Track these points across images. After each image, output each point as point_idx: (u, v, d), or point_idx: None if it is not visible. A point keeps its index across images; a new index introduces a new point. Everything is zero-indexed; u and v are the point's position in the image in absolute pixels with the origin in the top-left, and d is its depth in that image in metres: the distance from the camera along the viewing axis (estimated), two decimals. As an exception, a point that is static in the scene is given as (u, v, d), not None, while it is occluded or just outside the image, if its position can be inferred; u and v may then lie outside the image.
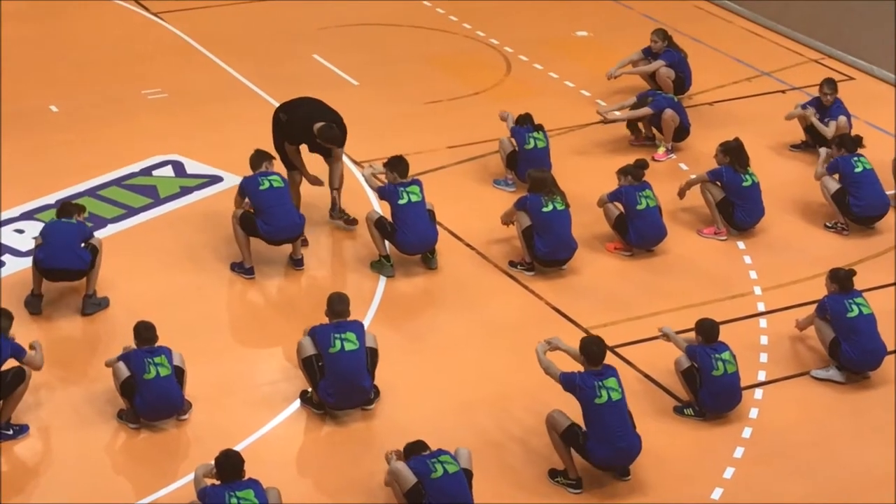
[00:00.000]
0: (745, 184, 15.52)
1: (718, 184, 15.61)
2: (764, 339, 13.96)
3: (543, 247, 14.73)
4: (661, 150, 17.22)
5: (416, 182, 14.91)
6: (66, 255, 13.79)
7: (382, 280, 14.65)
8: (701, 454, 12.52)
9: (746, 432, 12.77)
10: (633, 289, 14.74)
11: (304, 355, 12.55)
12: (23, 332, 13.06)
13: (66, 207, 14.23)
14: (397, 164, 14.93)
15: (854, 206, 15.64)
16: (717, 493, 12.02)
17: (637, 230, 15.14)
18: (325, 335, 12.51)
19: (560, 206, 14.75)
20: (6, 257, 14.77)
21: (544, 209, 14.68)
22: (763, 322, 14.23)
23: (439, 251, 15.08)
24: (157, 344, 12.53)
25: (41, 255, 13.83)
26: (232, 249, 14.87)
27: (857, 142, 16.06)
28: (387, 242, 14.78)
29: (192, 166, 16.76)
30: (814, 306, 13.56)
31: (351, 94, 18.17)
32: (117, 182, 16.37)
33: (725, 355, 12.73)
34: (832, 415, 13.08)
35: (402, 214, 14.68)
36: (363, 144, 17.14)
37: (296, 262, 14.86)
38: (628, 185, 15.23)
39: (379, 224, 14.73)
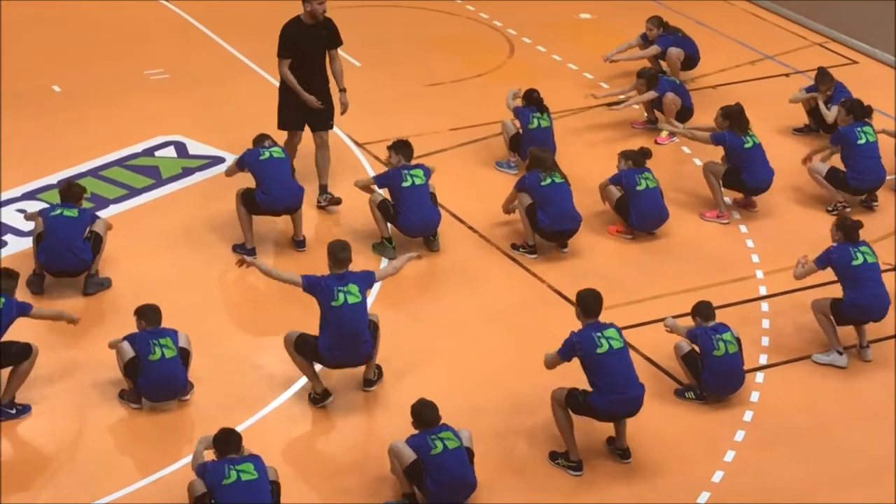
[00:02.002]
0: (746, 146, 15.51)
1: (720, 161, 15.60)
2: (766, 323, 13.97)
3: (546, 219, 14.70)
4: (664, 133, 17.21)
5: (420, 166, 14.90)
6: (67, 256, 13.83)
7: (384, 262, 14.64)
8: (702, 437, 12.53)
9: (747, 416, 12.78)
10: (635, 272, 14.74)
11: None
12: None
13: (70, 192, 14.16)
14: (403, 148, 14.93)
15: (851, 179, 15.68)
16: (717, 476, 12.03)
17: (638, 212, 15.13)
18: (329, 289, 12.38)
19: (559, 180, 14.74)
20: (8, 237, 14.78)
21: (543, 183, 14.67)
22: (765, 306, 14.23)
23: (441, 233, 15.08)
24: (162, 325, 12.54)
25: (42, 255, 13.87)
26: (234, 230, 14.87)
27: (867, 111, 15.95)
28: (389, 224, 14.78)
29: (194, 147, 16.76)
30: (817, 289, 13.56)
31: (353, 75, 18.09)
32: (119, 162, 16.37)
33: (726, 336, 12.74)
34: (833, 399, 13.09)
35: (404, 197, 14.68)
36: (365, 126, 17.14)
37: (297, 244, 14.87)
38: (628, 169, 15.23)
39: (382, 206, 14.72)
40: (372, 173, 15.79)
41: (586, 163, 16.19)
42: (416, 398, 11.60)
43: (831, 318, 13.30)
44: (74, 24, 19.88)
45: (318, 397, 12.66)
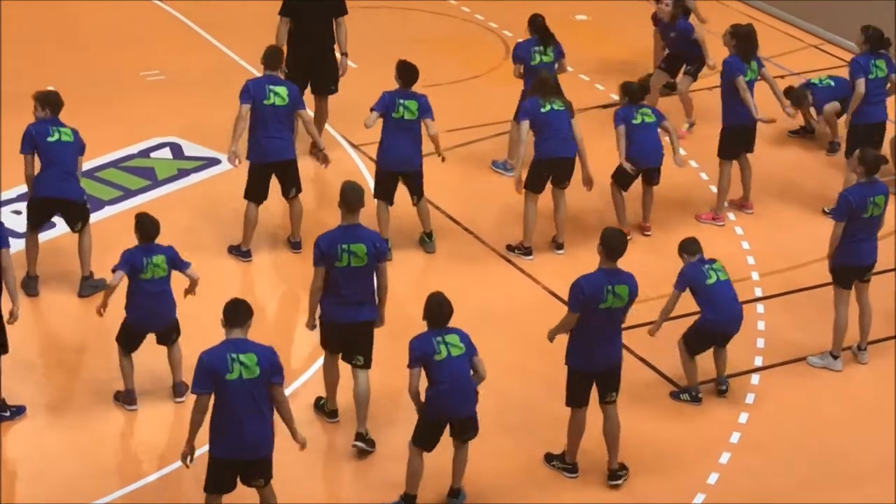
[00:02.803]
0: (745, 78, 15.45)
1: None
2: (761, 325, 13.97)
3: (544, 148, 14.59)
4: (685, 127, 17.20)
5: (417, 97, 14.57)
6: (65, 184, 13.83)
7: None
8: (697, 439, 12.54)
9: (743, 417, 12.79)
10: (631, 273, 14.72)
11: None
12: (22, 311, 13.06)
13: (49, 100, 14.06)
14: (404, 72, 14.57)
15: (866, 105, 15.65)
16: (713, 478, 12.04)
17: (637, 145, 15.03)
18: (333, 246, 11.97)
19: (558, 107, 14.60)
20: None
21: (542, 110, 14.56)
22: (760, 307, 14.24)
23: (437, 235, 15.08)
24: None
25: (43, 187, 13.86)
26: (230, 232, 14.88)
27: (886, 42, 15.79)
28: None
29: (190, 149, 16.75)
30: (813, 291, 13.56)
31: (348, 76, 18.09)
32: (115, 164, 16.37)
33: (716, 265, 12.77)
34: (829, 401, 13.10)
35: (389, 128, 14.45)
36: (361, 128, 17.11)
37: (293, 245, 14.85)
38: (626, 106, 15.10)
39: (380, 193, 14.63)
40: (367, 175, 15.78)
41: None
42: (409, 404, 11.54)
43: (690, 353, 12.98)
44: (71, 25, 19.87)
45: (329, 413, 12.60)
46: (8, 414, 12.39)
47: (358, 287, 12.07)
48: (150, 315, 12.48)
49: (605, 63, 18.76)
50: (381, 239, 12.32)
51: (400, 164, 14.64)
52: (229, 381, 10.45)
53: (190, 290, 12.65)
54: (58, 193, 13.88)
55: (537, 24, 16.16)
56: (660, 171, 15.32)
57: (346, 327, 12.17)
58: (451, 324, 11.41)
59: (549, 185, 14.93)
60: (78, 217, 14.08)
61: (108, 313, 12.56)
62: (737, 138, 15.54)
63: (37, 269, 14.03)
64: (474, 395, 11.43)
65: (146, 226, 12.40)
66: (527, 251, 14.97)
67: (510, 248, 15.06)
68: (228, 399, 10.51)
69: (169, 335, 12.58)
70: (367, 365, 12.28)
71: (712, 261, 12.92)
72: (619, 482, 11.89)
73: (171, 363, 12.64)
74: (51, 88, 14.09)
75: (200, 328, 12.84)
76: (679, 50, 17.46)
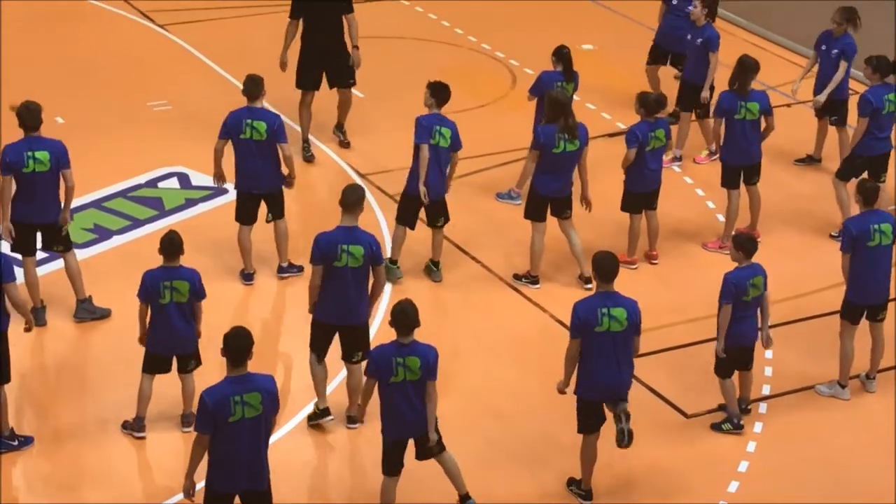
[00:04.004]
0: (736, 116, 15.41)
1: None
2: (769, 353, 13.95)
3: (543, 183, 14.58)
4: (704, 153, 17.20)
5: (451, 124, 14.61)
6: (42, 211, 13.59)
7: (387, 292, 14.64)
8: (705, 468, 12.51)
9: (751, 446, 12.77)
10: (638, 302, 14.72)
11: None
12: (26, 339, 13.07)
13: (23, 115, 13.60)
14: (439, 91, 14.61)
15: (872, 140, 15.65)
16: (721, 507, 12.03)
17: (647, 169, 15.04)
18: (332, 246, 12.21)
19: (571, 148, 14.53)
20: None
21: (555, 150, 14.49)
22: (769, 333, 14.21)
23: (443, 264, 15.09)
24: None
25: (20, 213, 13.54)
26: (237, 261, 14.89)
27: (893, 66, 15.71)
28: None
29: (197, 178, 16.78)
30: (821, 319, 13.54)
31: (356, 105, 18.17)
32: (123, 194, 16.39)
33: (756, 280, 12.62)
34: (837, 430, 13.07)
35: (428, 156, 14.46)
36: (368, 157, 17.18)
37: (281, 270, 14.89)
38: (642, 122, 15.01)
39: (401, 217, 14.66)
40: (375, 204, 15.81)
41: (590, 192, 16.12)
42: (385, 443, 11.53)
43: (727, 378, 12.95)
44: (78, 56, 19.91)
45: (318, 413, 12.75)
46: (16, 443, 12.38)
47: (355, 288, 12.27)
48: (170, 340, 12.41)
49: (612, 92, 18.79)
50: (377, 242, 12.48)
51: (430, 192, 14.65)
52: (232, 423, 10.47)
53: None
54: (35, 220, 13.69)
55: (564, 56, 16.11)
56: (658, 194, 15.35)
57: (342, 329, 12.46)
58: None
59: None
60: (54, 240, 13.83)
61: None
62: (735, 171, 15.58)
63: (40, 297, 13.98)
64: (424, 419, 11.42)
65: (164, 244, 12.35)
66: (533, 280, 14.96)
67: (517, 277, 15.06)
68: (229, 436, 10.50)
69: (187, 362, 12.54)
70: (364, 358, 12.49)
71: (759, 268, 12.80)
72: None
73: (184, 394, 12.62)
74: (28, 101, 13.79)
75: (208, 354, 12.87)
76: (697, 62, 17.20)
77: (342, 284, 12.29)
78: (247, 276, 14.85)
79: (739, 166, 15.57)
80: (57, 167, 13.55)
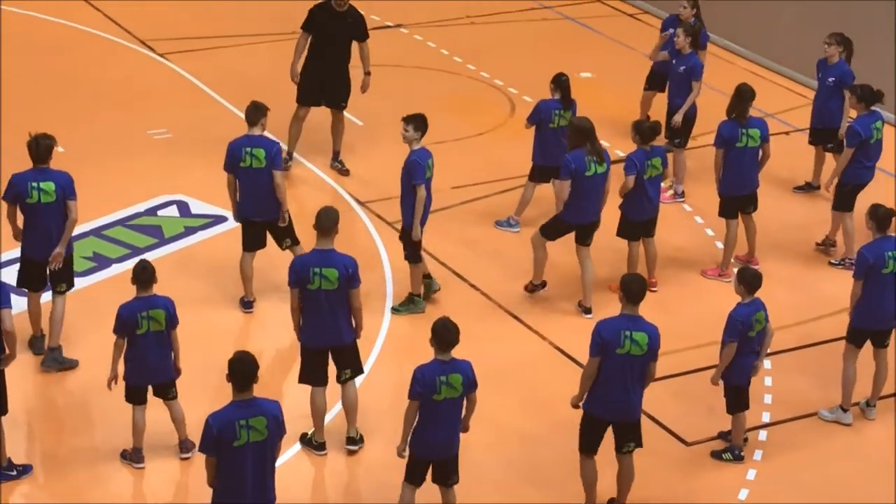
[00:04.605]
0: (738, 144, 15.40)
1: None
2: (768, 381, 13.95)
3: (573, 212, 14.61)
4: (668, 187, 17.15)
5: (430, 154, 14.65)
6: (48, 246, 13.51)
7: (387, 319, 14.65)
8: (705, 496, 12.49)
9: (751, 474, 12.76)
10: (655, 325, 14.73)
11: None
12: (22, 372, 13.05)
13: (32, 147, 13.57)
14: (420, 123, 14.58)
15: (860, 168, 15.67)
16: (722, 536, 12.01)
17: (645, 198, 15.05)
18: (305, 269, 12.33)
19: (601, 170, 14.62)
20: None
21: (587, 173, 14.52)
22: (767, 363, 14.21)
23: (442, 292, 15.10)
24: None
25: (26, 247, 13.53)
26: (238, 289, 14.90)
27: (878, 96, 15.74)
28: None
29: (196, 206, 16.80)
30: (819, 347, 13.54)
31: (355, 133, 18.22)
32: (122, 222, 16.40)
33: (759, 315, 12.62)
34: (838, 457, 13.06)
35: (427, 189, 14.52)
36: (367, 185, 17.20)
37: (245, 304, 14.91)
38: (639, 150, 15.01)
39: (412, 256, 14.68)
40: (374, 233, 15.83)
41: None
42: (413, 458, 11.52)
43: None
44: (78, 84, 19.95)
45: (315, 445, 12.79)
46: (14, 473, 12.35)
47: (331, 311, 12.35)
48: (146, 369, 12.39)
49: (610, 120, 18.80)
50: (355, 264, 12.49)
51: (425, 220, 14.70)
52: (237, 447, 10.47)
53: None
54: (40, 256, 13.66)
55: (562, 84, 16.11)
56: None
57: (327, 351, 12.56)
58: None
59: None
60: (58, 278, 13.74)
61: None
62: (735, 201, 15.59)
63: (40, 326, 13.98)
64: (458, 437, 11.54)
65: (138, 273, 12.34)
66: (540, 285, 15.00)
67: (528, 288, 15.08)
68: (234, 461, 10.52)
69: (167, 391, 12.52)
70: (354, 375, 12.68)
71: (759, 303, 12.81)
72: None
73: (174, 421, 12.60)
74: (41, 133, 13.74)
75: (207, 383, 12.88)
76: (680, 90, 17.28)
77: (317, 307, 12.38)
78: (246, 304, 14.86)
79: (738, 196, 15.59)
80: (63, 198, 13.50)
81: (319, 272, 12.29)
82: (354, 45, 17.20)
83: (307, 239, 15.46)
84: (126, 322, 12.25)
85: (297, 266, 12.43)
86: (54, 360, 13.74)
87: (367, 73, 17.21)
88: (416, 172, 14.28)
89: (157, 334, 12.31)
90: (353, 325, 12.59)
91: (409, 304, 14.84)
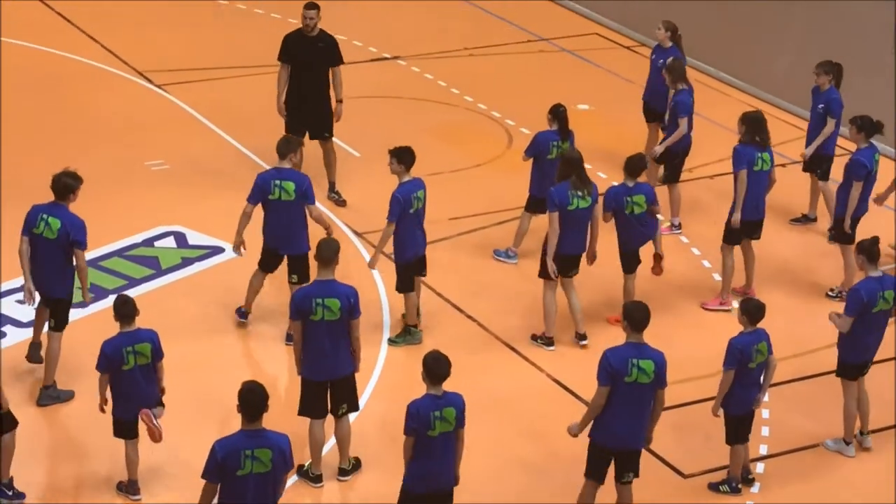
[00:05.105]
0: (755, 168, 15.39)
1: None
2: (766, 413, 13.93)
3: (559, 244, 14.53)
4: (667, 224, 17.16)
5: (422, 184, 14.67)
6: (47, 280, 13.47)
7: (383, 350, 14.63)
8: (703, 528, 12.47)
9: (749, 507, 12.75)
10: (661, 351, 14.72)
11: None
12: (16, 401, 13.03)
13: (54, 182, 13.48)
14: (405, 156, 14.60)
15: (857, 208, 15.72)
16: (719, 568, 11.97)
17: (627, 230, 15.05)
18: (307, 300, 12.27)
19: (584, 204, 14.55)
20: (7, 328, 14.75)
21: (570, 207, 14.48)
22: (765, 396, 14.18)
23: (439, 322, 15.09)
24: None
25: (34, 276, 13.46)
26: (234, 320, 14.89)
27: (878, 127, 15.76)
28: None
29: (193, 237, 16.79)
30: (817, 379, 13.52)
31: (353, 165, 18.23)
32: (119, 253, 16.39)
33: (761, 346, 12.58)
34: (836, 489, 13.04)
35: (409, 223, 14.47)
36: (364, 216, 17.20)
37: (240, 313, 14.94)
38: (620, 185, 15.01)
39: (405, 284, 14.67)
40: (377, 277, 15.84)
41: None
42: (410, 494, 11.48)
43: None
44: (75, 115, 19.97)
45: (312, 476, 12.76)
46: (10, 494, 12.27)
47: (332, 342, 12.33)
48: (134, 403, 12.34)
49: (608, 152, 18.84)
50: (356, 294, 12.49)
51: (417, 250, 14.72)
52: (239, 476, 10.44)
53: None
54: (40, 289, 13.65)
55: (559, 115, 16.09)
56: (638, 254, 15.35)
57: (327, 385, 12.52)
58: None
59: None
60: (53, 314, 13.68)
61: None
62: (744, 227, 15.56)
63: (41, 335, 13.95)
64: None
65: (119, 308, 12.31)
66: (548, 341, 14.93)
67: (534, 337, 15.01)
68: (236, 490, 10.51)
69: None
70: (350, 410, 12.69)
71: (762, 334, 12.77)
72: None
73: (127, 461, 12.47)
74: (65, 170, 13.70)
75: (205, 416, 12.85)
76: (672, 123, 17.31)
77: (318, 338, 12.35)
78: (242, 314, 14.86)
79: (752, 221, 15.55)
80: (64, 239, 13.38)
81: (322, 302, 12.28)
82: None
83: (311, 274, 15.44)
84: (111, 358, 12.22)
85: (298, 298, 12.40)
86: (49, 397, 13.69)
87: (339, 101, 17.14)
88: (391, 208, 14.37)
89: (144, 368, 12.30)
90: (353, 356, 12.56)
91: (405, 336, 14.83)
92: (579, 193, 14.51)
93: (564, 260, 14.75)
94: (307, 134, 17.15)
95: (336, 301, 12.31)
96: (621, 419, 11.65)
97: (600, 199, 14.93)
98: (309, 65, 17.01)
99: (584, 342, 14.85)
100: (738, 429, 12.71)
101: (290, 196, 14.39)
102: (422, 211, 14.64)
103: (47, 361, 13.69)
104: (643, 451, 13.13)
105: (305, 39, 17.01)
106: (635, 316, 11.72)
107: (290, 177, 14.44)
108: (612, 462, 11.88)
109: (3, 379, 12.63)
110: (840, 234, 15.96)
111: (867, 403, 13.50)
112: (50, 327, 13.71)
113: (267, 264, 14.79)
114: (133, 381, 12.26)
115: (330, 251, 12.46)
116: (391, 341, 14.84)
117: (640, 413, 11.71)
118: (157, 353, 12.38)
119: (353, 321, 12.46)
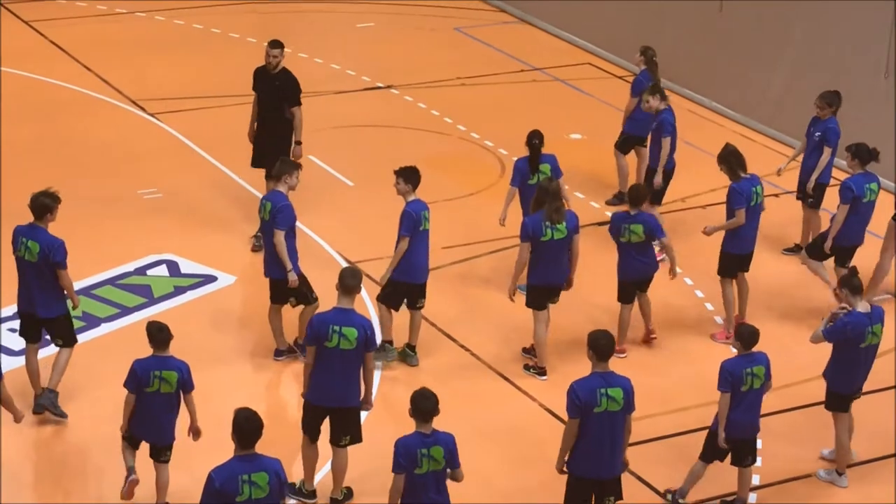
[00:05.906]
0: (751, 203, 15.34)
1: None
2: (759, 443, 13.90)
3: (538, 274, 14.55)
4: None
5: (427, 206, 14.71)
6: (34, 300, 13.51)
7: (376, 380, 14.61)
8: (695, 558, 12.45)
9: (741, 536, 12.71)
10: (627, 377, 14.70)
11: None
12: (18, 427, 13.02)
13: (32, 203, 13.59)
14: (412, 175, 14.67)
15: (849, 230, 15.74)
16: None
17: (621, 265, 15.06)
18: (325, 326, 12.25)
19: (559, 236, 14.51)
20: (0, 357, 14.72)
21: (543, 238, 14.46)
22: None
23: (431, 350, 15.08)
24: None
25: (19, 301, 13.54)
26: (224, 350, 14.89)
27: (874, 154, 15.78)
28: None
29: (186, 266, 16.79)
30: (807, 410, 13.52)
31: (346, 194, 18.25)
32: (111, 281, 16.39)
33: (757, 369, 12.60)
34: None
35: (416, 242, 14.53)
36: (357, 245, 17.21)
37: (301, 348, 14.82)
38: (622, 213, 15.04)
39: (386, 299, 14.66)
40: (364, 293, 15.81)
41: (579, 279, 16.13)
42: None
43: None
44: (69, 144, 19.99)
45: (304, 493, 12.75)
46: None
47: (345, 370, 12.30)
48: (148, 427, 12.33)
49: (600, 181, 18.89)
50: (372, 326, 12.55)
51: (418, 276, 14.71)
52: (239, 503, 10.44)
53: (191, 428, 12.51)
54: (29, 309, 13.67)
55: (530, 145, 16.13)
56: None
57: (333, 411, 12.47)
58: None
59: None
60: (56, 333, 13.74)
61: (106, 424, 12.49)
62: (739, 259, 15.59)
63: (40, 386, 13.90)
64: None
65: (154, 333, 12.30)
66: (541, 371, 14.92)
67: (526, 367, 15.01)
68: None
69: (163, 452, 12.45)
70: (353, 442, 12.64)
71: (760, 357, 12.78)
72: None
73: (158, 484, 12.46)
74: (43, 190, 13.82)
75: (199, 442, 12.82)
76: (653, 146, 17.31)
77: (329, 366, 12.32)
78: (278, 353, 14.90)
79: (744, 255, 15.59)
80: (45, 261, 13.44)
81: (339, 331, 12.25)
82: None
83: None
84: (139, 377, 12.20)
85: (315, 324, 12.36)
86: (48, 399, 13.67)
87: (298, 143, 16.76)
88: (403, 223, 14.43)
89: (167, 396, 12.25)
90: (364, 387, 12.53)
91: (380, 352, 14.71)
92: (551, 225, 14.51)
93: (541, 291, 14.75)
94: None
95: (354, 331, 12.28)
96: (596, 449, 11.61)
97: (582, 230, 14.92)
98: (266, 102, 16.93)
99: (543, 377, 14.87)
100: (716, 450, 12.65)
101: (267, 217, 14.32)
102: (427, 233, 14.62)
103: (54, 369, 13.71)
104: (634, 480, 13.17)
105: (267, 76, 16.91)
106: (600, 343, 11.64)
107: (270, 197, 14.48)
108: (592, 489, 11.80)
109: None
110: (816, 251, 15.97)
111: (852, 431, 13.50)
112: (58, 345, 13.75)
113: (275, 296, 14.59)
114: (152, 405, 12.23)
115: (354, 280, 12.41)
116: None
117: (615, 440, 11.67)
118: (185, 385, 12.32)
119: (368, 353, 12.42)
